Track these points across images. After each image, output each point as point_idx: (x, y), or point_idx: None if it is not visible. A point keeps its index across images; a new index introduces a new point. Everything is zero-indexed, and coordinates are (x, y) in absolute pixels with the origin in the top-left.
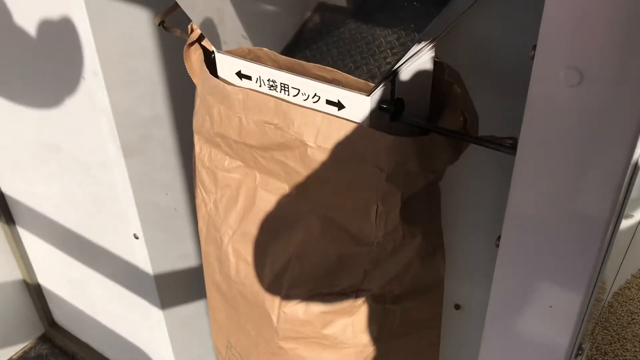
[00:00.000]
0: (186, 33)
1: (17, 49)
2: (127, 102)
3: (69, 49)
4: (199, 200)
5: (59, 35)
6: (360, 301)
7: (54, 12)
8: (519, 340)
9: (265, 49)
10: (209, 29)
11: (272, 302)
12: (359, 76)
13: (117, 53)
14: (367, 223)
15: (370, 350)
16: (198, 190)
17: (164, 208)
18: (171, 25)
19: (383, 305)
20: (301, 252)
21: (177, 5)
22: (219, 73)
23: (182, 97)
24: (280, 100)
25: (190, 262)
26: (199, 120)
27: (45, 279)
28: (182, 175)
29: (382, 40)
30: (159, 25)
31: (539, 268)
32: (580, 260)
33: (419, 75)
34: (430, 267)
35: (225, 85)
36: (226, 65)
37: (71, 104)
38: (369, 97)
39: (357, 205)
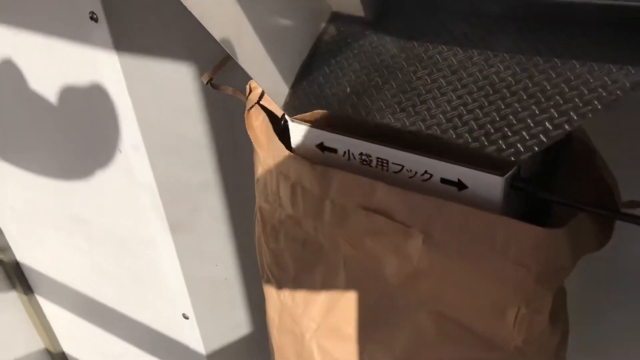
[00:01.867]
0: (240, 92)
1: (39, 115)
2: (172, 173)
3: (103, 117)
4: (268, 288)
5: (90, 101)
6: None
7: (83, 76)
8: None
9: (347, 113)
10: (277, 90)
11: None
12: (481, 146)
13: (160, 120)
14: (501, 325)
15: None
16: (266, 275)
17: (214, 280)
18: (220, 82)
19: None
20: (410, 355)
21: (227, 60)
22: (293, 144)
23: (231, 158)
24: (387, 186)
25: (242, 331)
26: (268, 196)
27: (70, 348)
28: (232, 243)
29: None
30: (207, 83)
31: None
32: None
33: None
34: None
35: (313, 165)
36: (303, 135)
37: (104, 177)
38: (502, 178)
39: (488, 304)
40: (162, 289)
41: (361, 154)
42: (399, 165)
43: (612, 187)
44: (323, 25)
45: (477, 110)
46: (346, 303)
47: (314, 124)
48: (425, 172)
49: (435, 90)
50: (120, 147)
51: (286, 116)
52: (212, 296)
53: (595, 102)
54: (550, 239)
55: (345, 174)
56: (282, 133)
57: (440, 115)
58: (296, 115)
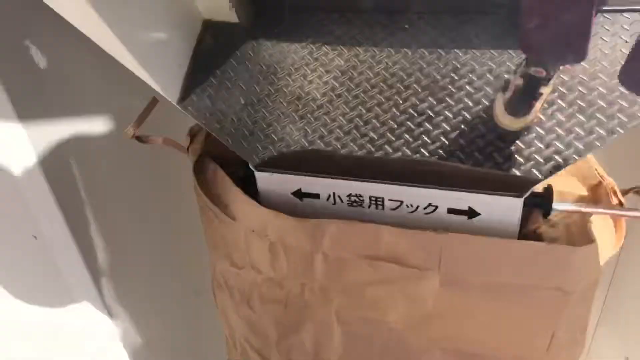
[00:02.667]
0: (176, 141)
1: None
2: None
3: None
4: None
5: None
6: None
7: None
8: None
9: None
10: (235, 137)
11: None
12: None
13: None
14: (532, 352)
15: None
16: (239, 348)
17: None
18: (147, 132)
19: None
20: None
21: (153, 105)
22: (262, 196)
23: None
24: (395, 229)
25: None
26: (233, 260)
27: None
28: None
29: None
30: (132, 137)
31: None
32: None
33: None
34: None
35: (300, 220)
36: (275, 184)
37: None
38: (521, 199)
39: (518, 336)
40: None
41: (350, 195)
42: (398, 201)
43: (613, 186)
44: (197, 34)
45: (377, 108)
46: (347, 357)
47: (282, 169)
48: (429, 204)
49: (330, 93)
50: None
51: (250, 166)
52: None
53: (486, 87)
54: (584, 256)
55: (340, 223)
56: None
57: (341, 118)
58: (261, 164)
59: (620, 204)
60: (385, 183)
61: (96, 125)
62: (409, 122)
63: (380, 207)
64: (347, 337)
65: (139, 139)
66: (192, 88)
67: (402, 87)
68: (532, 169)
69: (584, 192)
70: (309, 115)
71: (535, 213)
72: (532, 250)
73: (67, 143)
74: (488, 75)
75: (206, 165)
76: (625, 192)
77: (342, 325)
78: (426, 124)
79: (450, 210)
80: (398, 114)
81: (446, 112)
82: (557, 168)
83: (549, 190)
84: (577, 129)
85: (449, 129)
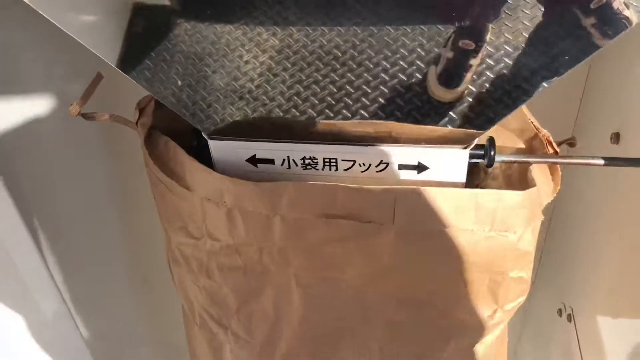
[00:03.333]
0: (124, 117)
1: None
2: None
3: None
4: (203, 333)
5: None
6: None
7: None
8: None
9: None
10: (185, 106)
11: None
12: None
13: None
14: (483, 295)
15: None
16: (199, 318)
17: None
18: (94, 110)
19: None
20: (388, 349)
21: (98, 80)
22: (217, 164)
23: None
24: (349, 187)
25: None
26: (189, 232)
27: None
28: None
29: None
30: (78, 115)
31: None
32: None
33: None
34: None
35: (258, 183)
36: (228, 152)
37: None
38: (467, 150)
39: (469, 280)
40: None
41: (304, 158)
42: (350, 161)
43: (548, 136)
44: (128, 17)
45: (314, 86)
46: (307, 321)
47: (239, 136)
48: (381, 162)
49: (267, 73)
50: None
51: (204, 134)
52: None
53: (418, 62)
54: (528, 199)
55: (297, 185)
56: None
57: (280, 97)
58: (214, 132)
59: (556, 153)
60: (337, 144)
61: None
62: (346, 98)
63: (334, 168)
64: (306, 299)
65: (84, 116)
66: (129, 71)
67: (337, 65)
68: (484, 124)
69: (522, 145)
70: (247, 96)
71: (477, 169)
72: (479, 196)
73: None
74: (419, 50)
75: (157, 138)
76: (559, 144)
77: (301, 288)
78: (363, 99)
79: (401, 166)
80: (335, 90)
81: (382, 88)
82: (491, 122)
83: (491, 141)
84: (513, 81)
85: (384, 102)
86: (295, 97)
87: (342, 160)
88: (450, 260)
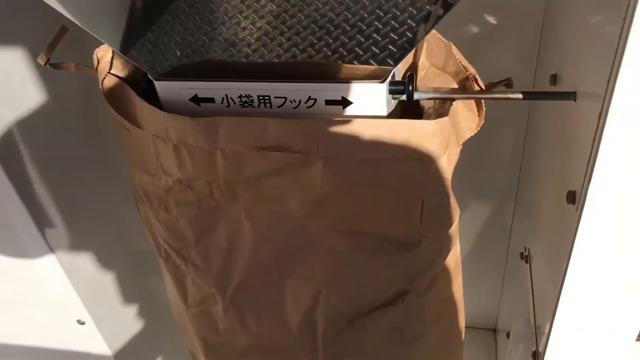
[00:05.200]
0: (87, 65)
1: None
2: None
3: None
4: (168, 265)
5: None
6: (406, 303)
7: None
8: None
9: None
10: (133, 49)
11: (309, 349)
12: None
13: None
14: (410, 223)
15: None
16: (163, 251)
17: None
18: (60, 60)
19: (423, 297)
20: (331, 277)
21: (63, 33)
22: (164, 104)
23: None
24: (276, 119)
25: (144, 322)
26: (147, 168)
27: None
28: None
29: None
30: (45, 64)
31: None
32: None
33: None
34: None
35: (194, 118)
36: (173, 92)
37: None
38: (384, 84)
39: (394, 207)
40: (48, 301)
41: (241, 96)
42: (282, 98)
43: (474, 74)
44: None
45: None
46: (257, 251)
47: (182, 77)
48: (309, 98)
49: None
50: None
51: (149, 76)
52: (104, 294)
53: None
54: (440, 128)
55: (230, 119)
56: (146, 98)
57: (219, 38)
58: (160, 74)
59: (481, 89)
60: (270, 82)
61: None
62: (279, 37)
63: (268, 105)
64: (255, 231)
65: (52, 65)
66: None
67: (273, 5)
68: (387, 59)
69: (456, 85)
70: (189, 38)
71: (418, 111)
72: (393, 125)
73: None
74: None
75: (113, 82)
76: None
77: (250, 220)
78: (295, 37)
79: (328, 102)
80: (270, 29)
81: (312, 26)
82: (403, 55)
83: (410, 77)
84: (409, 21)
85: (314, 40)
86: (233, 37)
87: (275, 97)
88: (373, 188)
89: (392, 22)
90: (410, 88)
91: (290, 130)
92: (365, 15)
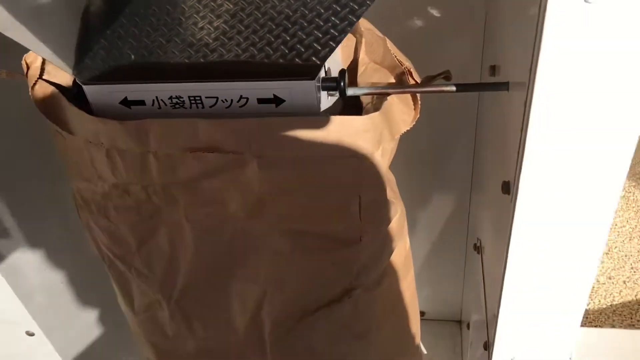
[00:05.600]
0: (18, 72)
1: None
2: None
3: None
4: (112, 272)
5: None
6: (354, 300)
7: None
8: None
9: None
10: (60, 54)
11: (257, 350)
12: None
13: None
14: (349, 220)
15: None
16: (107, 258)
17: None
18: None
19: (372, 293)
20: (276, 277)
21: None
22: (94, 109)
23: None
24: (206, 120)
25: (97, 329)
26: (82, 174)
27: None
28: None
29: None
30: None
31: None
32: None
33: None
34: (402, 233)
35: (123, 122)
36: (103, 95)
37: None
38: (313, 82)
39: (332, 205)
40: None
41: (171, 97)
42: (213, 98)
43: (410, 68)
44: None
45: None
46: (200, 255)
47: (111, 80)
48: (241, 97)
49: (222, 37)
50: None
51: (78, 80)
52: (54, 303)
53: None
54: (371, 124)
55: (159, 121)
56: (77, 103)
57: (145, 39)
58: (88, 78)
59: (416, 83)
60: (200, 82)
61: None
62: (206, 37)
63: (200, 105)
64: (196, 234)
65: None
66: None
67: (200, 6)
68: (313, 56)
69: (393, 80)
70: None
71: (358, 108)
72: (325, 123)
73: None
74: None
75: (44, 88)
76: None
77: (190, 223)
78: (222, 37)
79: (260, 100)
80: (196, 30)
81: (239, 25)
82: (329, 52)
83: (342, 73)
84: (333, 18)
85: (241, 39)
86: (160, 39)
87: (206, 97)
88: (310, 186)
89: (317, 20)
90: (342, 84)
91: (221, 131)
92: (290, 13)
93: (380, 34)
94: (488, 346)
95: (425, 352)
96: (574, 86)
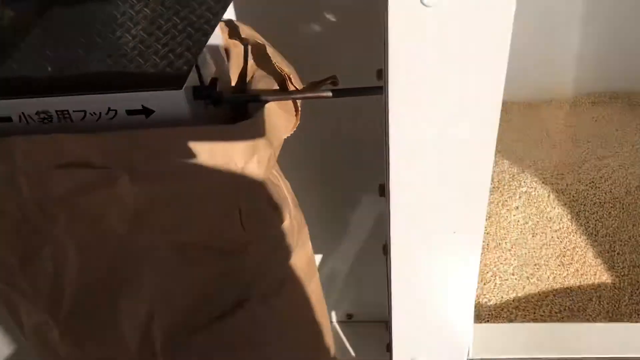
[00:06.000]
0: None
1: None
2: None
3: None
4: (3, 297)
5: None
6: (249, 310)
7: None
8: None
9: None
10: None
11: None
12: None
13: None
14: (232, 229)
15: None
16: None
17: None
18: None
19: (270, 302)
20: (163, 292)
21: None
22: None
23: None
24: (71, 135)
25: None
26: None
27: None
28: None
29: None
30: None
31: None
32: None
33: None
34: (300, 239)
35: None
36: None
37: None
38: (182, 91)
39: (213, 216)
40: None
41: (38, 112)
42: (81, 111)
43: (290, 75)
44: None
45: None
46: (85, 273)
47: None
48: (109, 109)
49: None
50: None
51: None
52: None
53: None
54: (244, 133)
55: (24, 138)
56: None
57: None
58: None
59: (297, 90)
60: (66, 95)
61: None
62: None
63: (68, 119)
64: (80, 252)
65: None
66: None
67: (70, 17)
68: (183, 65)
69: (277, 87)
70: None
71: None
72: (196, 133)
73: None
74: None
75: None
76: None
77: (74, 240)
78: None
79: (129, 112)
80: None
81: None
82: (189, 62)
83: (212, 81)
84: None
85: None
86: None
87: (74, 111)
88: (187, 198)
89: (172, 31)
90: (214, 93)
91: (87, 146)
92: (162, 23)
93: (262, 40)
94: (389, 347)
95: (353, 354)
96: (421, 87)
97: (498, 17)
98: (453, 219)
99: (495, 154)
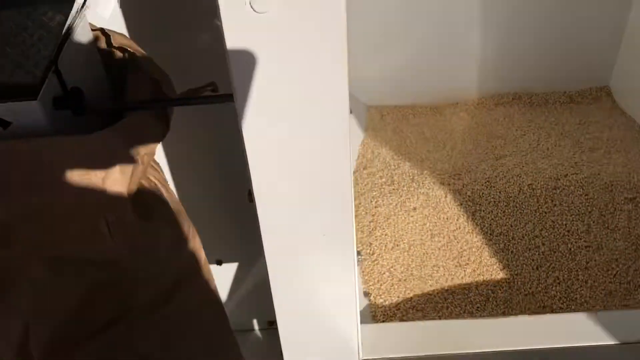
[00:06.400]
0: None
1: None
2: None
3: None
4: None
5: None
6: (134, 321)
7: None
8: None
9: None
10: None
11: None
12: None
13: None
14: (101, 242)
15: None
16: None
17: None
18: None
19: (160, 310)
20: (38, 308)
21: None
22: None
23: None
24: None
25: None
26: None
27: None
28: None
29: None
30: None
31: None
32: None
33: (82, 52)
34: (192, 244)
35: None
36: None
37: None
38: (37, 101)
39: (81, 227)
40: None
41: None
42: None
43: (162, 82)
44: None
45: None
46: None
47: None
48: None
49: None
50: None
51: None
52: None
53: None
54: (104, 141)
55: None
56: None
57: None
58: None
59: (166, 97)
60: None
61: None
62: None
63: None
64: None
65: None
66: None
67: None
68: (36, 74)
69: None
70: None
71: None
72: (54, 144)
73: None
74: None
75: None
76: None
77: None
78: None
79: None
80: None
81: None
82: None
83: (74, 91)
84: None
85: None
86: None
87: None
88: (52, 211)
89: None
90: (75, 103)
91: None
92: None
93: (135, 48)
94: (282, 352)
95: None
96: (265, 92)
97: (329, 22)
98: (319, 222)
99: (397, 157)
